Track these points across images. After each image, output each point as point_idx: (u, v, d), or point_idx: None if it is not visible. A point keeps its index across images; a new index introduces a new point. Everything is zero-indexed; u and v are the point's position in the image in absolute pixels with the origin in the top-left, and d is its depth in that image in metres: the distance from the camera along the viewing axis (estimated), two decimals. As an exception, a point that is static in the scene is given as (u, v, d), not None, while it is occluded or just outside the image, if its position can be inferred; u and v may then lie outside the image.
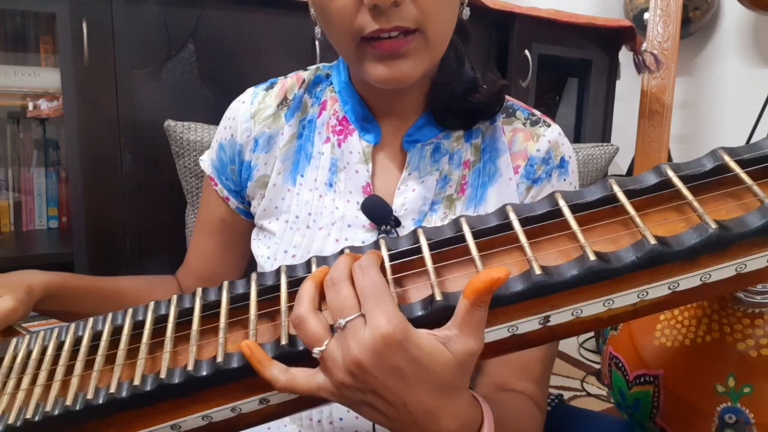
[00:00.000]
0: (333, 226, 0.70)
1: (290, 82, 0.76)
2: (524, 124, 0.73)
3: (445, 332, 0.40)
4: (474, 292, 0.38)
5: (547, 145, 0.72)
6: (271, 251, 0.72)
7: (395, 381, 0.39)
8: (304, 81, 0.76)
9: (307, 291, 0.42)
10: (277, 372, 0.41)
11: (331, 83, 0.75)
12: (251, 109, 0.74)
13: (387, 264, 0.44)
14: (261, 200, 0.74)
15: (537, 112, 0.75)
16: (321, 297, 0.43)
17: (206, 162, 0.80)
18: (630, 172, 2.24)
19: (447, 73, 0.68)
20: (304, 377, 0.41)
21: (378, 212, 0.68)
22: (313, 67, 0.78)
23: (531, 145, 0.72)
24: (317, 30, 0.67)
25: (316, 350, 0.40)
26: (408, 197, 0.69)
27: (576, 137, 2.06)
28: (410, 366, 0.39)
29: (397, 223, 0.68)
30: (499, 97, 0.71)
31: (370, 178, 0.70)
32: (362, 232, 0.69)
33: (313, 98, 0.75)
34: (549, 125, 0.73)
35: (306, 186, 0.72)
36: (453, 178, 0.71)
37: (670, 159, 2.05)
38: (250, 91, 0.77)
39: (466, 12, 0.67)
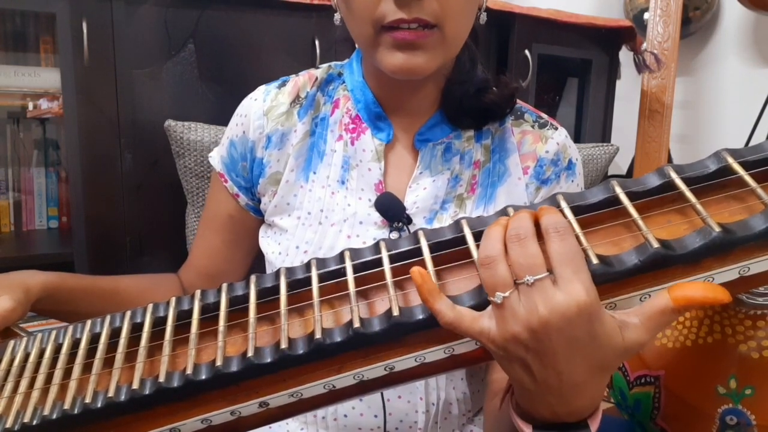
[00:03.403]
0: (345, 222, 0.71)
1: (302, 80, 0.76)
2: (533, 127, 0.75)
3: (626, 318, 0.39)
4: (686, 300, 0.37)
5: (556, 147, 0.73)
6: (282, 247, 0.73)
7: (566, 349, 0.38)
8: (316, 79, 0.77)
9: (497, 234, 0.40)
10: (444, 306, 0.40)
11: (344, 82, 0.76)
12: (264, 107, 0.75)
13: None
14: (272, 197, 0.74)
15: (544, 115, 0.76)
16: None
17: (216, 158, 0.80)
18: (630, 172, 2.23)
19: (461, 73, 0.70)
20: (470, 318, 0.40)
21: (391, 210, 0.69)
22: (325, 65, 0.79)
23: (540, 147, 0.73)
24: (336, 17, 0.68)
25: (499, 295, 0.39)
26: (420, 195, 0.70)
27: (576, 137, 2.05)
28: (587, 339, 0.38)
29: (409, 220, 0.69)
30: (511, 99, 0.73)
31: (382, 176, 0.71)
32: (374, 229, 0.70)
33: (326, 96, 0.76)
34: (556, 128, 0.75)
35: (318, 183, 0.73)
36: (464, 177, 0.72)
37: (670, 159, 2.04)
38: (262, 88, 0.77)
39: (483, 17, 0.68)
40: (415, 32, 0.60)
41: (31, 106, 1.38)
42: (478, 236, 0.43)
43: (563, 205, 0.43)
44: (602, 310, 0.38)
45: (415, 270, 0.41)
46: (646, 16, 2.02)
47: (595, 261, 0.39)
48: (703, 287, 0.37)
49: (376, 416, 0.68)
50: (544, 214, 0.40)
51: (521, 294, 0.38)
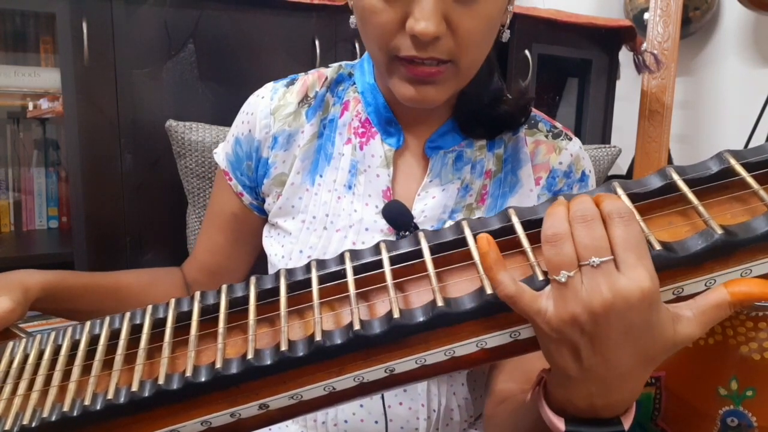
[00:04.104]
0: (350, 228, 0.70)
1: (311, 79, 0.75)
2: (546, 136, 0.73)
3: (679, 311, 0.39)
4: (744, 295, 0.37)
5: (569, 158, 0.72)
6: (285, 250, 0.72)
7: (621, 336, 0.38)
8: (326, 79, 0.75)
9: (562, 213, 0.40)
10: (507, 278, 0.39)
11: (354, 83, 0.75)
12: (271, 105, 0.73)
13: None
14: (277, 198, 0.73)
15: (558, 125, 0.75)
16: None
17: (221, 155, 0.79)
18: (630, 172, 2.23)
19: (477, 84, 0.68)
20: (530, 296, 0.39)
21: (399, 218, 0.68)
22: (336, 64, 0.77)
23: (553, 158, 0.72)
24: (352, 19, 0.66)
25: (564, 274, 0.38)
26: (428, 204, 0.69)
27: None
28: (642, 328, 0.38)
29: (416, 229, 0.68)
30: (526, 109, 0.72)
31: (390, 182, 0.70)
32: (380, 237, 0.69)
33: (335, 97, 0.75)
34: (570, 138, 0.74)
35: (324, 186, 0.72)
36: (474, 187, 0.71)
37: (670, 159, 2.04)
38: (270, 86, 0.76)
39: (506, 35, 0.67)
40: (429, 68, 0.59)
41: (31, 106, 1.38)
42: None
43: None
44: (661, 300, 0.38)
45: (483, 236, 0.40)
46: (646, 16, 2.02)
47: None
48: (761, 283, 0.37)
49: (376, 422, 0.68)
50: (607, 199, 0.40)
51: (585, 275, 0.38)
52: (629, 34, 1.90)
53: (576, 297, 0.37)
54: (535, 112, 0.76)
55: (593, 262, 0.37)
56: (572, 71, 2.09)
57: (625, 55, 2.01)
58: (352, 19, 0.66)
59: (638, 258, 0.37)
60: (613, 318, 0.37)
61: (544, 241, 0.39)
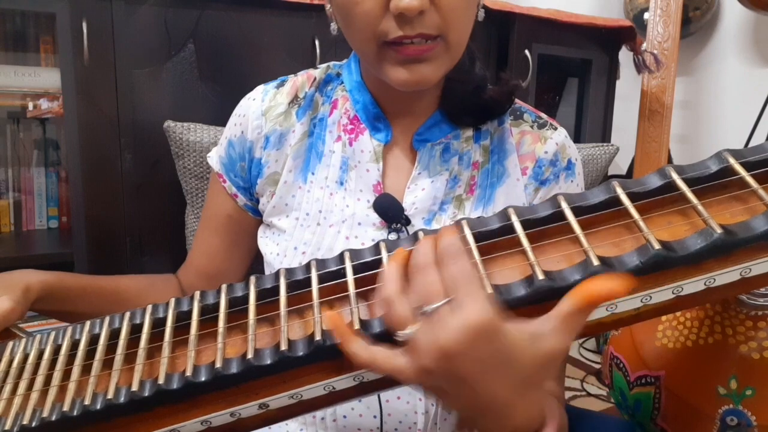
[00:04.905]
0: (343, 223, 0.71)
1: (301, 80, 0.76)
2: (532, 127, 0.75)
3: (539, 326, 0.38)
4: (590, 300, 0.37)
5: (555, 147, 0.73)
6: (280, 248, 0.73)
7: (477, 373, 0.37)
8: (315, 79, 0.76)
9: (392, 273, 0.41)
10: (358, 347, 0.40)
11: (342, 82, 0.76)
12: (262, 107, 0.74)
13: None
14: (270, 198, 0.74)
15: (544, 115, 0.76)
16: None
17: (214, 158, 0.80)
18: (630, 172, 2.23)
19: (461, 72, 0.70)
20: (384, 357, 0.39)
21: (390, 211, 0.69)
22: (324, 65, 0.78)
23: (539, 147, 0.73)
24: (333, 26, 0.67)
25: (401, 334, 0.39)
26: (418, 196, 0.70)
27: (576, 137, 2.05)
28: (495, 358, 0.37)
29: (408, 221, 0.69)
30: (510, 96, 0.73)
31: (380, 176, 0.71)
32: (372, 230, 0.70)
33: (324, 97, 0.76)
34: (555, 128, 0.75)
35: (317, 184, 0.73)
36: (462, 178, 0.72)
37: (670, 159, 2.04)
38: (261, 88, 0.77)
39: (481, 14, 0.68)
40: (420, 47, 0.60)
41: (31, 106, 1.38)
42: (479, 237, 0.43)
43: (563, 205, 0.43)
44: (503, 326, 0.37)
45: (327, 316, 0.42)
46: (646, 16, 2.02)
47: (596, 262, 0.39)
48: (599, 279, 0.37)
49: (375, 417, 0.68)
50: (439, 239, 0.40)
51: (423, 325, 0.38)
52: (629, 34, 1.90)
53: (419, 350, 0.38)
54: (520, 103, 0.77)
55: (425, 310, 0.38)
56: (572, 71, 2.09)
57: (625, 55, 2.01)
58: (333, 26, 0.68)
59: (466, 293, 0.37)
60: (458, 359, 0.37)
61: (382, 304, 0.40)
